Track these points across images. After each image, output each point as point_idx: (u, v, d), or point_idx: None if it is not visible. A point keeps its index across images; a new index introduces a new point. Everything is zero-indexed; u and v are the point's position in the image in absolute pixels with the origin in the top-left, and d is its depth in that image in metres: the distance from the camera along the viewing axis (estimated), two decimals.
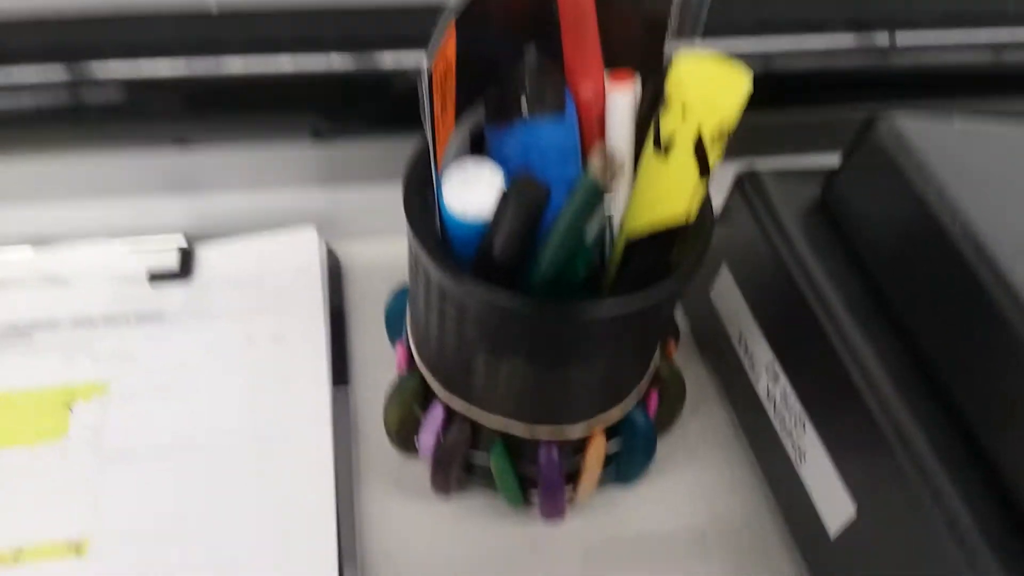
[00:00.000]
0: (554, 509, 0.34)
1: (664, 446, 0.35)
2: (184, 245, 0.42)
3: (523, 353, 0.27)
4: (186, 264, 0.41)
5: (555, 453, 0.31)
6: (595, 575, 0.34)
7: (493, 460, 0.32)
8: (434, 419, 0.32)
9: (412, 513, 0.35)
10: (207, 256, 0.42)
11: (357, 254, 0.45)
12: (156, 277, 0.41)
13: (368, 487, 0.36)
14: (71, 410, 0.36)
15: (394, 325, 0.38)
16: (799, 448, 0.33)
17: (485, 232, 0.24)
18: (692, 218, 0.25)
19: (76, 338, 0.38)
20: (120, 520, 0.33)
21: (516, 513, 0.35)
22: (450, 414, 0.32)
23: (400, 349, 0.35)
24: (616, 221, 0.26)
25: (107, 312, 0.39)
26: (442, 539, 0.34)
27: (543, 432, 0.31)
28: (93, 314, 0.39)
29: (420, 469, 0.36)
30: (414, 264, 0.28)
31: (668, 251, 0.26)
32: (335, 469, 0.35)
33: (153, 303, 0.40)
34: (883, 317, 0.31)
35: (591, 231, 0.22)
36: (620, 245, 0.26)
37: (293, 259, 0.42)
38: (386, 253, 0.44)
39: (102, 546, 0.32)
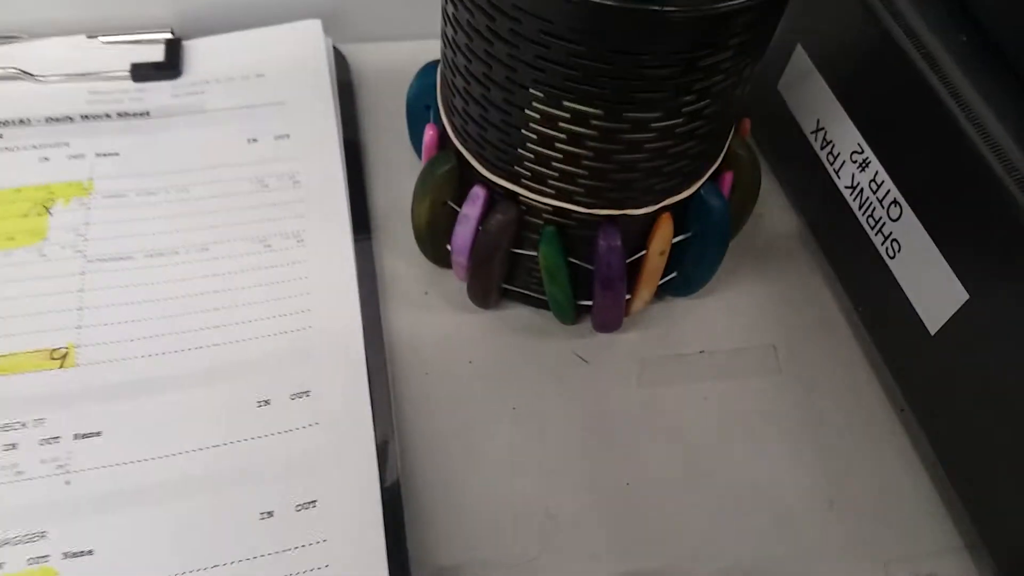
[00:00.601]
0: (611, 311, 0.29)
1: (729, 256, 0.31)
2: (170, 36, 0.36)
3: (586, 90, 0.22)
4: (173, 57, 0.36)
5: (616, 237, 0.27)
6: (653, 392, 0.30)
7: (543, 249, 0.27)
8: (473, 204, 0.28)
9: (447, 327, 0.31)
10: (197, 50, 0.36)
11: (367, 60, 0.39)
12: (140, 73, 0.35)
13: (396, 304, 0.31)
14: (49, 212, 0.31)
15: (417, 115, 0.33)
16: (892, 240, 0.29)
17: None
18: None
19: (52, 136, 0.33)
20: (108, 329, 0.28)
21: (565, 329, 0.31)
22: (491, 199, 0.28)
23: (429, 134, 0.30)
24: None
25: (85, 109, 0.34)
26: (480, 355, 0.30)
27: (603, 211, 0.26)
28: (69, 111, 0.34)
29: (455, 283, 0.31)
30: None
31: None
32: (358, 279, 0.30)
33: (137, 101, 0.35)
34: (1001, 72, 0.26)
35: None
36: None
37: (296, 54, 0.37)
38: (399, 59, 0.39)
39: (88, 355, 0.28)
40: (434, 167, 0.28)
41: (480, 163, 0.27)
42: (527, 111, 0.24)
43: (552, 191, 0.26)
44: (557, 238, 0.27)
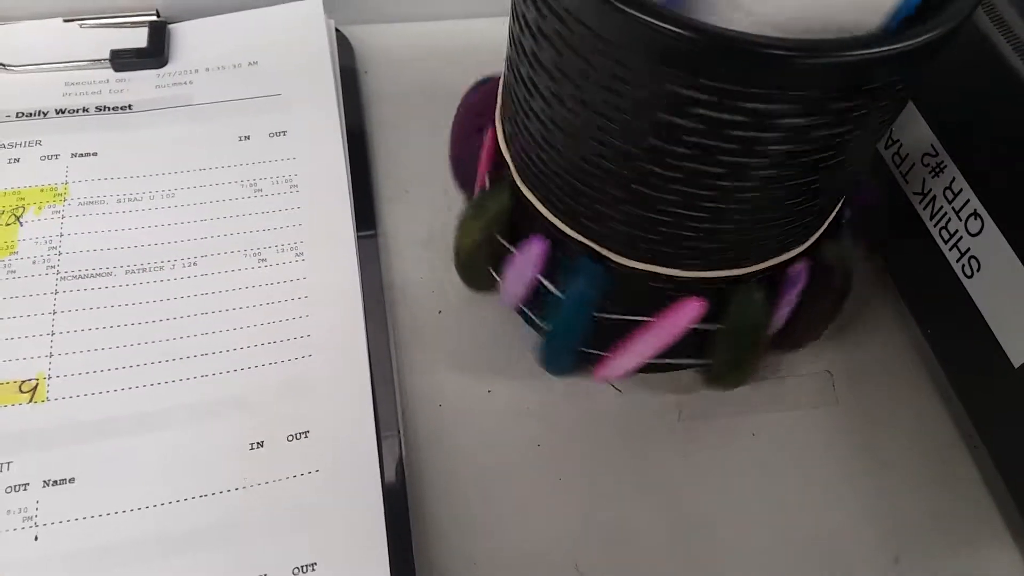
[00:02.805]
0: None
1: None
2: (155, 17, 0.33)
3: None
4: (158, 42, 0.32)
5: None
6: (696, 427, 0.26)
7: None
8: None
9: (462, 351, 0.27)
10: (184, 34, 0.33)
11: (373, 43, 0.35)
12: (121, 60, 0.32)
13: (405, 324, 0.28)
14: (20, 221, 0.28)
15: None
16: (970, 257, 0.25)
17: None
18: None
19: (23, 134, 0.30)
20: (83, 357, 0.25)
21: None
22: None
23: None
24: None
25: (60, 103, 0.31)
26: (499, 382, 0.27)
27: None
28: (43, 105, 0.31)
29: (467, 296, 0.28)
30: None
31: None
32: (363, 296, 0.27)
33: (117, 93, 0.31)
34: None
35: None
36: None
37: (294, 39, 0.33)
38: (408, 42, 0.36)
39: (61, 388, 0.25)
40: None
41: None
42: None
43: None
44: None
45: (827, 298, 0.25)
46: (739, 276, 0.22)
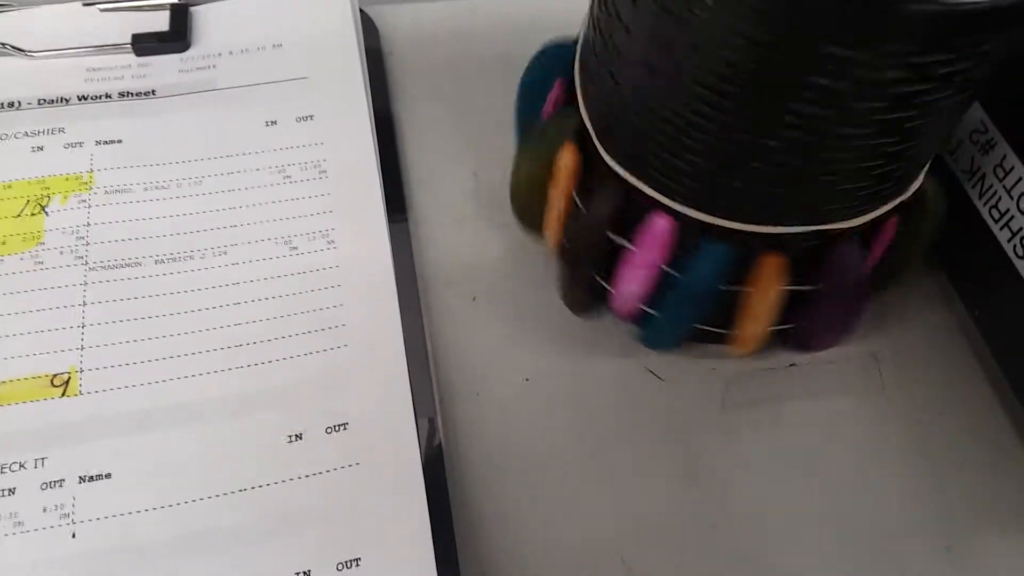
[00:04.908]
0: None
1: None
2: (176, 1, 0.32)
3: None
4: (180, 25, 0.31)
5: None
6: (740, 416, 0.26)
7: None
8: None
9: (497, 338, 0.27)
10: (206, 17, 0.32)
11: (397, 24, 0.35)
12: (142, 44, 0.31)
13: (439, 311, 0.27)
14: (45, 211, 0.27)
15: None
16: (1022, 237, 0.25)
17: None
18: None
19: (46, 121, 0.29)
20: (115, 350, 0.25)
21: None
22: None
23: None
24: None
25: (83, 89, 0.30)
26: (537, 371, 0.26)
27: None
28: (65, 92, 0.30)
29: (502, 282, 0.28)
30: None
31: None
32: (397, 283, 0.27)
33: (140, 78, 0.31)
34: None
35: None
36: None
37: (318, 20, 0.32)
38: (433, 22, 0.35)
39: (94, 381, 0.24)
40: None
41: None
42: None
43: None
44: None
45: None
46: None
